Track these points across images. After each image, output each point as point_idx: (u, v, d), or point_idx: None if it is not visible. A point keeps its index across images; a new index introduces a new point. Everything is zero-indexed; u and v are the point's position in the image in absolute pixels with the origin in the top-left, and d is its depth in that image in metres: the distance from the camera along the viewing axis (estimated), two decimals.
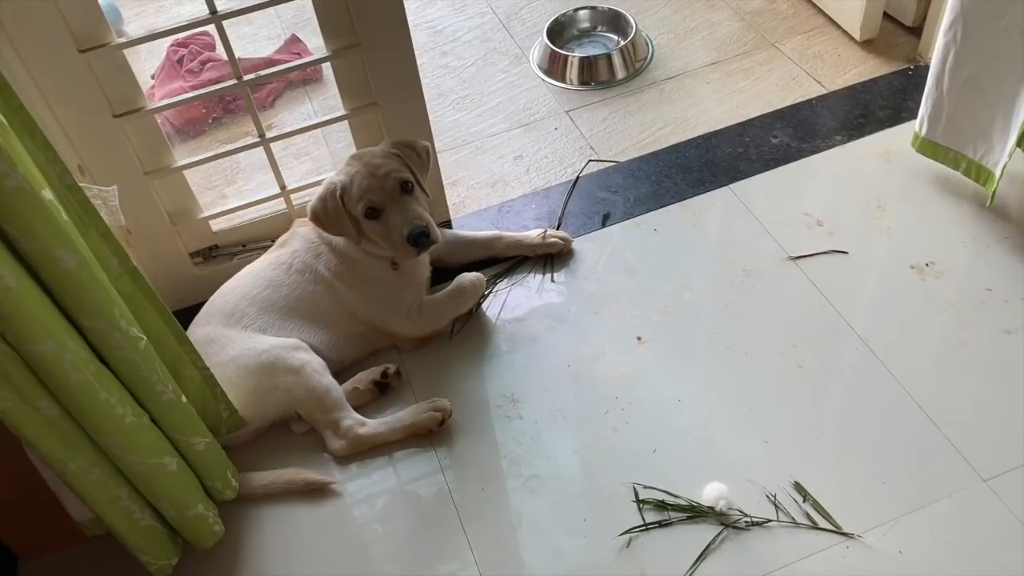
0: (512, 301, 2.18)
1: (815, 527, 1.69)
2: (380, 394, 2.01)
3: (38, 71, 1.78)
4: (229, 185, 2.65)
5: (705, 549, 1.68)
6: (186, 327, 1.78)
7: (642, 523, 1.73)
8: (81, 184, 1.40)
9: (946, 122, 2.15)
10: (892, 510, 1.69)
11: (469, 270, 2.13)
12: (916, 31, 2.70)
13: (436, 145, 2.27)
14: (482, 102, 2.80)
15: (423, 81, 2.12)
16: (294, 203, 2.21)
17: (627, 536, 1.72)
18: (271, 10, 2.94)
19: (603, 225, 2.33)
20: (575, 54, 2.82)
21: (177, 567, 1.75)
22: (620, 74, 2.79)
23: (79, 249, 1.33)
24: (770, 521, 1.70)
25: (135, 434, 1.52)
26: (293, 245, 2.03)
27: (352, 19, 1.94)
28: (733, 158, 2.45)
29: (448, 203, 2.42)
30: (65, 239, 1.30)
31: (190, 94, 2.03)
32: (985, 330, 1.96)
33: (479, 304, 2.15)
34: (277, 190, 2.18)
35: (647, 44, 2.89)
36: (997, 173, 2.06)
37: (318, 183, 1.99)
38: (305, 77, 2.95)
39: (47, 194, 1.28)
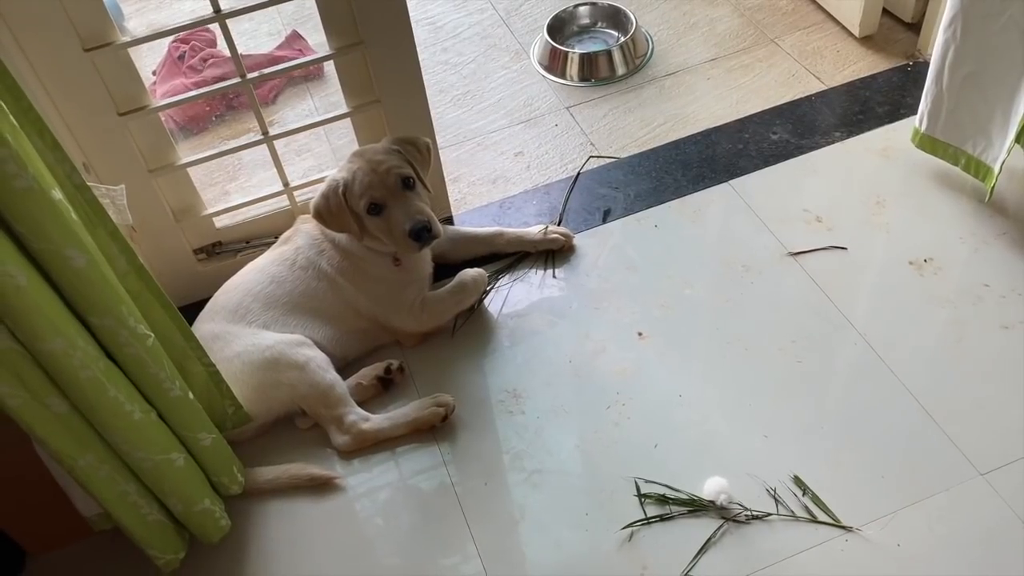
0: (514, 297, 2.19)
1: (814, 520, 1.71)
2: (383, 390, 2.03)
3: (44, 70, 1.79)
4: (231, 182, 2.66)
5: (706, 542, 1.70)
6: (190, 324, 1.79)
7: (643, 517, 1.75)
8: (89, 183, 1.41)
9: (946, 118, 2.16)
10: (890, 504, 1.71)
11: (471, 266, 2.14)
12: (915, 27, 2.71)
13: (437, 141, 2.29)
14: (483, 98, 2.81)
15: (424, 78, 2.13)
16: (297, 200, 2.23)
17: (629, 530, 1.74)
18: (272, 6, 2.94)
19: (604, 221, 2.34)
20: (575, 50, 2.83)
21: (184, 561, 1.77)
22: (620, 70, 2.81)
23: (88, 248, 1.35)
24: (770, 515, 1.72)
25: (143, 430, 1.54)
26: (296, 242, 2.05)
27: (355, 17, 1.95)
28: (733, 154, 2.46)
29: (449, 199, 2.43)
30: (74, 238, 1.31)
31: (194, 92, 2.04)
32: (983, 326, 1.98)
33: (481, 300, 2.17)
34: (280, 187, 2.19)
35: (647, 40, 2.90)
36: (996, 169, 2.07)
37: (321, 180, 2.00)
38: (307, 74, 2.96)
39: (56, 194, 1.29)
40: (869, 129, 2.46)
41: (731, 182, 2.38)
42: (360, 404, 1.96)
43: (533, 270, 2.25)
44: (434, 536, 1.79)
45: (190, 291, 2.19)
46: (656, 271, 2.20)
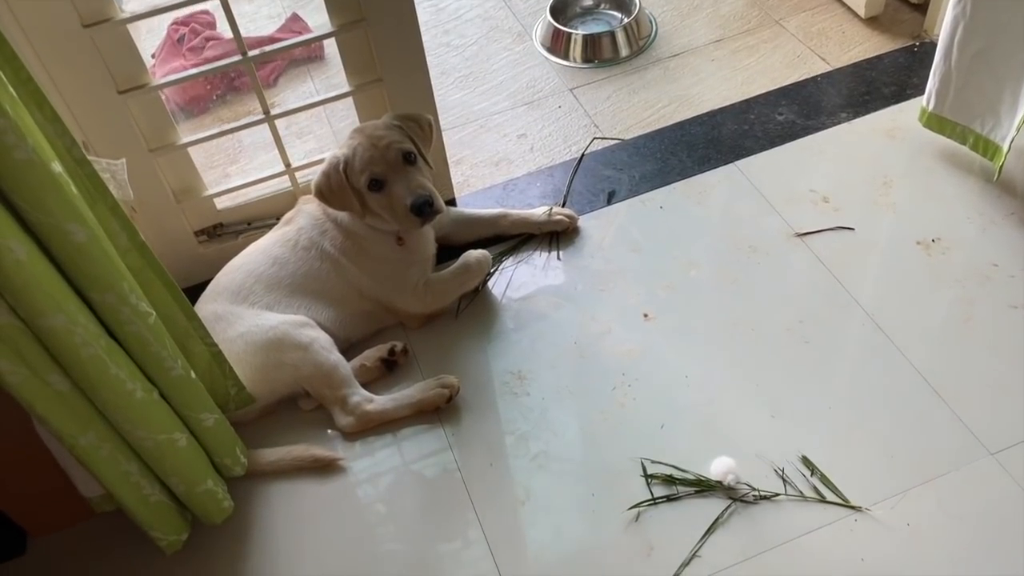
0: (518, 279, 2.17)
1: (823, 501, 1.69)
2: (387, 371, 2.01)
3: (42, 46, 1.77)
4: (232, 164, 2.64)
5: (713, 523, 1.69)
6: (192, 305, 1.77)
7: (650, 497, 1.73)
8: (89, 158, 1.39)
9: (954, 96, 2.14)
10: (899, 484, 1.70)
11: (475, 248, 2.12)
12: (921, 7, 2.69)
13: (440, 124, 2.26)
14: (485, 80, 2.78)
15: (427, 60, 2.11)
16: (298, 181, 2.20)
17: (635, 510, 1.72)
18: None
19: (608, 203, 2.32)
20: (578, 32, 2.81)
21: (187, 543, 1.75)
22: (624, 52, 2.78)
23: (88, 223, 1.33)
24: (778, 495, 1.71)
25: (145, 409, 1.52)
26: (298, 222, 2.03)
27: None
28: (738, 135, 2.44)
29: (453, 181, 2.41)
30: (75, 212, 1.29)
31: (195, 70, 2.02)
32: (991, 305, 1.96)
33: (485, 282, 2.15)
34: (281, 168, 2.17)
35: (651, 22, 2.88)
36: (1005, 147, 2.05)
37: (322, 161, 1.98)
38: (308, 55, 2.94)
39: (56, 167, 1.27)
40: (875, 110, 2.44)
41: (737, 163, 2.36)
42: (364, 386, 1.95)
43: (537, 252, 2.23)
44: (439, 518, 1.78)
45: (191, 273, 2.17)
46: (661, 252, 2.18)
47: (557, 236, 2.25)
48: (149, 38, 3.05)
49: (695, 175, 2.35)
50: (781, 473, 1.74)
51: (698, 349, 1.98)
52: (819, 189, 2.25)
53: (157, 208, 2.11)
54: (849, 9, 2.78)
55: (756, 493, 1.71)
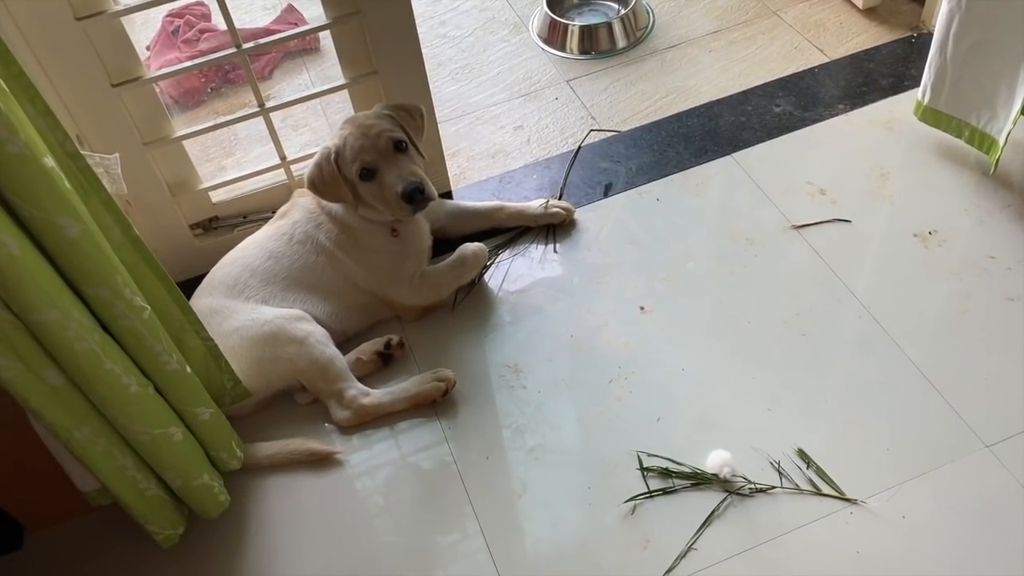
0: (514, 271, 2.17)
1: (819, 493, 1.70)
2: (383, 365, 2.01)
3: (35, 39, 1.76)
4: (227, 157, 2.63)
5: (709, 516, 1.69)
6: (188, 299, 1.77)
7: (646, 490, 1.73)
8: (83, 152, 1.38)
9: (949, 89, 2.13)
10: (895, 476, 1.70)
11: (471, 241, 2.12)
12: None
13: (436, 116, 2.26)
14: (482, 72, 2.77)
15: (422, 51, 2.10)
16: (294, 174, 2.20)
17: (631, 503, 1.72)
18: None
19: (605, 195, 2.32)
20: (575, 23, 2.79)
21: (183, 537, 1.75)
22: (621, 43, 2.77)
23: (82, 217, 1.32)
24: (774, 488, 1.71)
25: (140, 404, 1.52)
26: (293, 216, 2.02)
27: None
28: (735, 127, 2.43)
29: (449, 174, 2.40)
30: (67, 207, 1.29)
31: (189, 63, 2.01)
32: (988, 297, 1.96)
33: (481, 275, 2.15)
34: (277, 161, 2.16)
35: (648, 13, 2.87)
36: (1001, 140, 2.05)
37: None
38: (303, 47, 2.93)
39: (48, 161, 1.26)
40: (873, 101, 2.44)
41: (734, 155, 2.35)
42: (360, 379, 1.95)
43: (534, 245, 2.23)
44: (435, 512, 1.78)
45: (187, 266, 2.17)
46: (658, 245, 2.18)
47: (554, 229, 2.25)
48: (143, 30, 3.03)
49: (692, 167, 2.35)
50: (777, 466, 1.74)
51: (694, 342, 1.97)
52: (816, 181, 2.25)
53: (152, 202, 2.10)
54: (847, 0, 2.77)
55: (752, 486, 1.71)
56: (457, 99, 2.69)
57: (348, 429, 1.91)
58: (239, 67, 2.78)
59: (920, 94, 2.21)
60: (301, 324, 1.90)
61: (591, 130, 2.50)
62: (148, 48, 2.95)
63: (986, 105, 2.08)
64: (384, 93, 2.12)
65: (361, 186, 1.90)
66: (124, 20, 1.85)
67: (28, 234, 1.29)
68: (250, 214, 2.24)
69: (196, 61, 2.01)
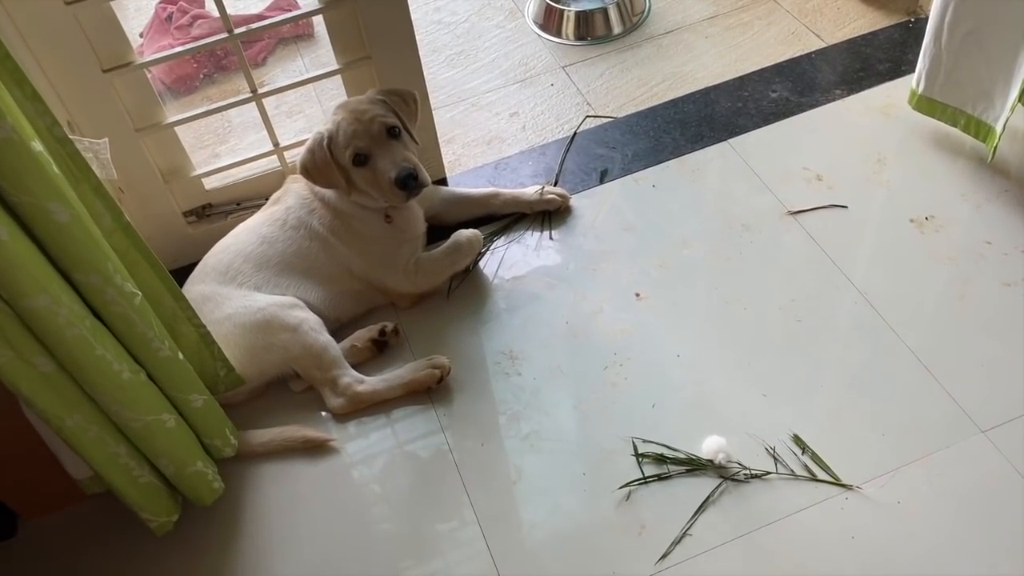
0: (510, 258, 2.16)
1: (814, 479, 1.69)
2: (378, 352, 2.00)
3: (24, 24, 1.74)
4: (221, 144, 2.61)
5: (704, 501, 1.68)
6: (181, 287, 1.76)
7: (641, 476, 1.73)
8: (72, 137, 1.37)
9: (944, 78, 2.12)
10: (890, 461, 1.70)
11: (466, 228, 2.11)
12: None
13: (431, 102, 2.25)
14: (477, 58, 2.76)
15: (416, 37, 2.08)
16: (287, 160, 2.18)
17: (626, 489, 1.72)
18: None
19: (601, 181, 2.31)
20: (571, 8, 2.78)
21: (178, 524, 1.75)
22: (617, 29, 2.76)
23: (71, 202, 1.31)
24: (769, 473, 1.71)
25: (132, 391, 1.51)
26: (287, 201, 2.01)
27: None
28: (732, 113, 2.42)
29: (444, 161, 2.39)
30: (56, 192, 1.28)
31: (180, 48, 1.99)
32: (984, 283, 1.95)
33: (476, 261, 2.14)
34: (270, 147, 2.15)
35: None
36: (998, 128, 2.03)
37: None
38: (297, 33, 2.91)
39: (37, 146, 1.25)
40: (870, 87, 2.42)
41: (730, 141, 2.34)
42: (354, 367, 1.94)
43: (529, 231, 2.22)
44: (431, 498, 1.78)
45: (180, 254, 2.16)
46: (654, 231, 2.17)
47: (549, 215, 2.24)
48: (137, 17, 3.02)
49: (688, 153, 2.34)
50: (772, 452, 1.74)
51: (690, 328, 1.97)
52: (813, 167, 2.24)
53: (145, 189, 2.09)
54: None
55: (747, 472, 1.71)
56: (452, 85, 2.68)
57: (343, 417, 1.91)
58: (232, 53, 2.76)
59: (914, 83, 2.20)
60: (294, 311, 1.89)
61: (587, 116, 2.49)
62: (141, 35, 2.93)
63: (982, 93, 2.06)
64: (378, 79, 2.10)
65: (354, 172, 1.88)
66: (116, 6, 1.84)
67: (17, 220, 1.28)
68: (243, 201, 2.23)
69: (187, 46, 1.99)
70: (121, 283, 1.42)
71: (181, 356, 1.62)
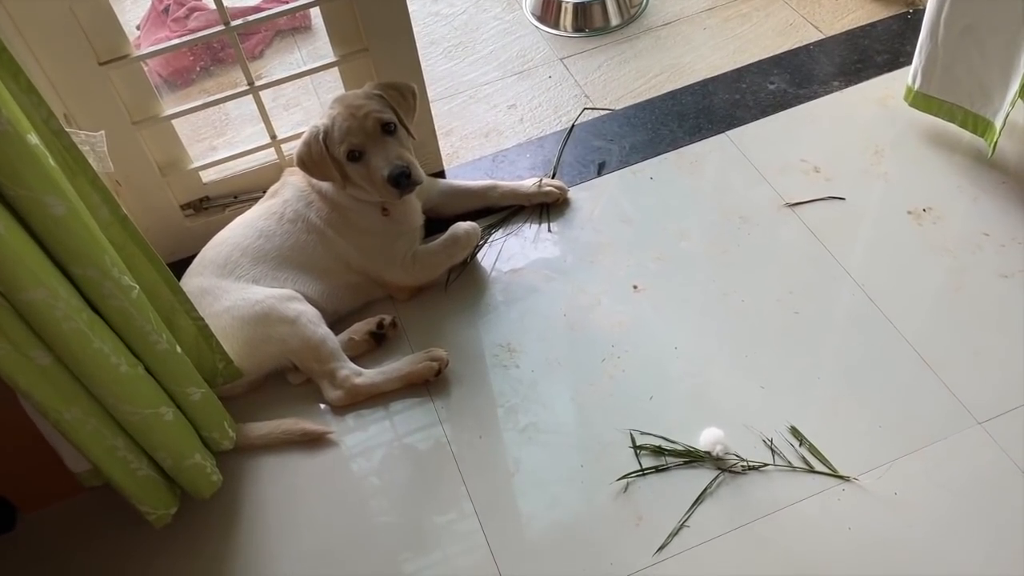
0: (507, 251, 2.16)
1: (811, 471, 1.70)
2: (376, 345, 2.00)
3: (20, 17, 1.74)
4: (219, 137, 2.61)
5: (702, 493, 1.69)
6: (178, 280, 1.76)
7: (639, 468, 1.73)
8: (68, 130, 1.37)
9: (941, 74, 2.11)
10: (888, 453, 1.70)
11: (463, 220, 2.10)
12: None
13: (428, 95, 2.24)
14: (474, 50, 2.75)
15: (414, 29, 2.08)
16: (284, 153, 2.18)
17: (624, 481, 1.72)
18: None
19: (599, 174, 2.30)
20: (569, 0, 2.77)
21: (176, 517, 1.75)
22: (615, 20, 2.75)
23: (67, 195, 1.31)
24: (766, 465, 1.71)
25: (130, 384, 1.51)
26: (284, 194, 2.01)
27: None
28: (730, 105, 2.42)
29: (441, 153, 2.39)
30: (53, 184, 1.27)
31: (176, 40, 1.99)
32: (982, 274, 1.95)
33: (474, 254, 2.14)
34: (267, 140, 2.15)
35: None
36: (998, 124, 2.03)
37: None
38: (294, 26, 2.90)
39: (33, 138, 1.25)
40: (868, 78, 2.42)
41: (728, 133, 2.34)
42: (352, 359, 1.94)
43: (527, 224, 2.22)
44: (428, 490, 1.78)
45: (177, 247, 2.16)
46: (652, 224, 2.17)
47: (547, 208, 2.23)
48: (134, 9, 3.01)
49: (686, 145, 2.33)
50: (769, 443, 1.74)
51: (687, 320, 1.97)
52: (810, 159, 2.24)
53: (142, 182, 2.08)
54: None
55: (744, 463, 1.72)
56: (450, 77, 2.67)
57: (341, 409, 1.91)
58: (229, 46, 2.75)
59: (910, 79, 2.19)
60: (292, 304, 1.89)
61: (585, 108, 2.48)
62: (138, 28, 2.92)
63: (979, 89, 2.06)
64: (375, 71, 2.10)
65: (349, 167, 1.88)
66: None
67: (14, 213, 1.28)
68: (241, 194, 2.23)
69: (184, 39, 1.99)
70: (118, 276, 1.42)
71: (179, 349, 1.62)
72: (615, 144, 2.37)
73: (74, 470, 1.71)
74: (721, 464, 1.72)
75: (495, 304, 2.06)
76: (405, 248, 2.01)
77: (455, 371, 1.94)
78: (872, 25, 2.58)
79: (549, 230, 2.19)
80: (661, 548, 1.63)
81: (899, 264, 2.00)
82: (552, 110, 2.52)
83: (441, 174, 2.36)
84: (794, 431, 1.75)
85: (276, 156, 2.19)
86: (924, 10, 2.46)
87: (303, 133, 1.92)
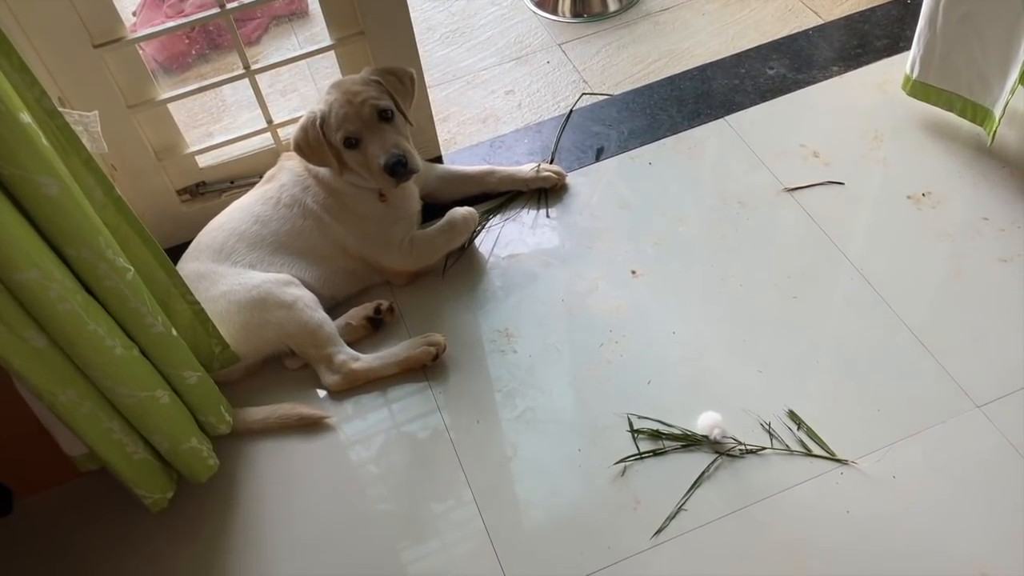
0: (505, 236, 2.15)
1: (809, 454, 1.69)
2: (374, 330, 2.00)
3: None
4: (215, 123, 2.60)
5: (699, 477, 1.68)
6: (173, 263, 1.75)
7: (637, 452, 1.73)
8: (61, 110, 1.36)
9: (939, 62, 2.09)
10: (886, 437, 1.70)
11: (462, 205, 2.09)
12: None
13: (426, 80, 2.23)
14: (472, 36, 2.74)
15: (411, 14, 2.06)
16: (281, 138, 2.17)
17: (622, 465, 1.72)
18: None
19: (597, 159, 2.29)
20: None
21: (173, 501, 1.75)
22: (613, 6, 2.74)
23: (61, 175, 1.30)
24: (764, 449, 1.71)
25: (125, 366, 1.51)
26: (281, 179, 2.00)
27: None
28: (729, 90, 2.41)
29: (439, 139, 2.38)
30: (46, 164, 1.27)
31: (172, 23, 1.98)
32: (981, 259, 1.95)
33: (472, 239, 2.13)
34: (264, 125, 2.14)
35: None
36: (997, 112, 2.01)
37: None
38: (291, 10, 2.89)
39: (25, 117, 1.24)
40: (867, 63, 2.41)
41: (727, 118, 2.33)
42: (350, 344, 1.93)
43: (525, 209, 2.21)
44: (426, 474, 1.77)
45: (174, 232, 2.15)
46: (650, 209, 2.16)
47: (545, 193, 2.23)
48: None
49: (685, 130, 2.32)
50: (767, 427, 1.74)
51: (686, 305, 1.96)
52: (809, 143, 2.23)
53: (138, 167, 2.07)
54: None
55: (742, 447, 1.71)
56: (448, 63, 2.66)
57: (338, 394, 1.90)
58: (225, 31, 2.73)
59: (908, 68, 2.18)
60: (289, 288, 1.89)
61: (583, 94, 2.47)
62: (134, 14, 2.90)
63: (978, 77, 2.04)
64: (372, 55, 2.08)
65: (346, 153, 1.87)
66: None
67: (6, 193, 1.27)
68: (237, 179, 2.22)
69: (179, 21, 1.98)
70: (113, 257, 1.41)
71: (175, 332, 1.61)
72: (613, 129, 2.36)
73: (70, 454, 1.70)
74: (719, 448, 1.72)
75: (493, 289, 2.05)
76: (402, 233, 2.00)
77: (453, 356, 1.93)
78: (871, 10, 2.57)
79: (547, 215, 2.18)
80: (659, 531, 1.63)
81: (898, 249, 1.99)
82: (550, 95, 2.51)
83: (439, 160, 2.36)
84: (792, 415, 1.75)
85: (273, 141, 2.18)
86: None
87: (300, 118, 1.91)
